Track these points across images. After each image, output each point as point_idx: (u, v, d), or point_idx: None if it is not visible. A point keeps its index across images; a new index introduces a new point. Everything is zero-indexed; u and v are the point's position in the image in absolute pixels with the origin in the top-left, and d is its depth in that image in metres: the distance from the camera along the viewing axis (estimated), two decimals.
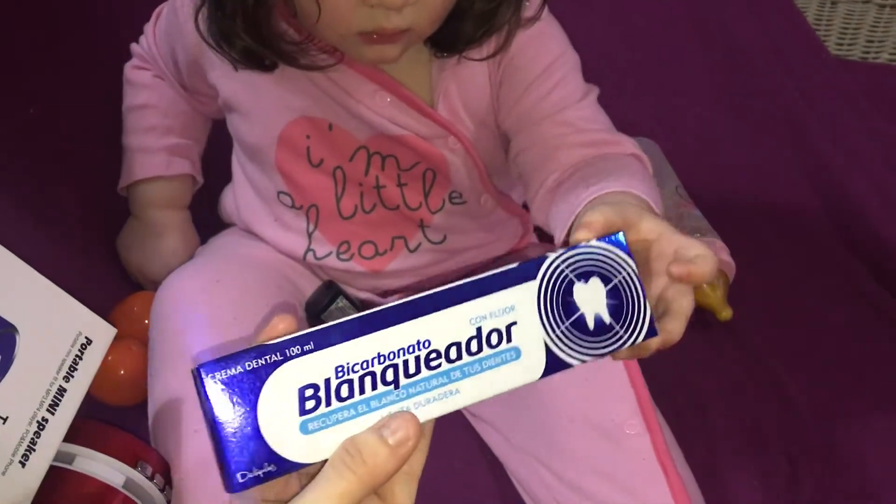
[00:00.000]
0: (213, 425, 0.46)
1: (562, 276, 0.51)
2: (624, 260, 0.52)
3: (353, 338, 0.47)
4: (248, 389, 0.46)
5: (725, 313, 0.97)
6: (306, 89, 0.79)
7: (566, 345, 0.50)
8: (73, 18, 1.03)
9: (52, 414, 0.66)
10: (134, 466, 0.68)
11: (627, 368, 0.78)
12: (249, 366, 0.46)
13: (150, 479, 0.69)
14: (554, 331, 0.50)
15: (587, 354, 0.51)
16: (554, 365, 0.50)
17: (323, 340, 0.47)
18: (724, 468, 0.84)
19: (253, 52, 0.74)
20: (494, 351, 0.49)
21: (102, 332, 0.71)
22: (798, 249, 1.08)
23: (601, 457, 0.75)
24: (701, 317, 0.98)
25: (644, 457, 0.74)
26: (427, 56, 0.77)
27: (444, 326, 0.48)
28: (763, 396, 0.91)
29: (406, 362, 0.48)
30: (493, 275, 0.50)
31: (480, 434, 0.85)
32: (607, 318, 0.51)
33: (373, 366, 0.47)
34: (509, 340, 0.49)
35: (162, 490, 0.70)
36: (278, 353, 0.47)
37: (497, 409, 0.82)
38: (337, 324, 0.47)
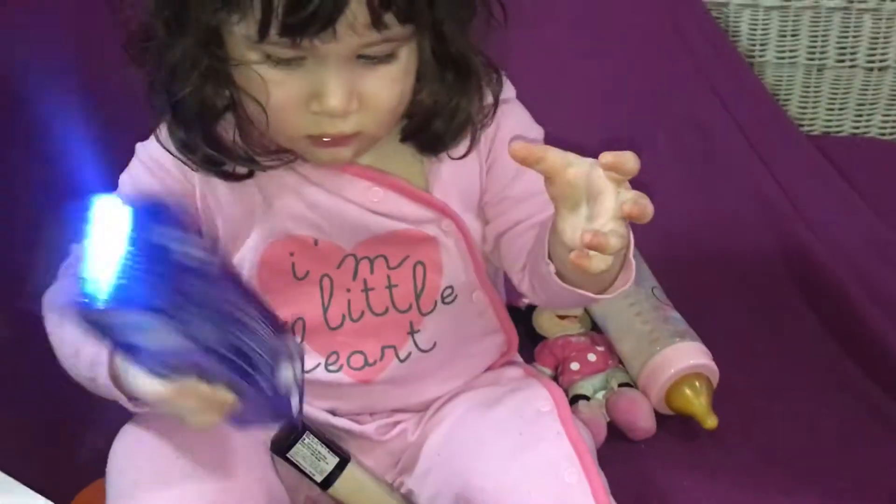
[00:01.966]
0: None
1: None
2: None
3: None
4: None
5: (710, 421, 0.92)
6: (289, 207, 0.77)
7: None
8: None
9: None
10: None
11: (573, 444, 0.75)
12: None
13: None
14: None
15: None
16: None
17: None
18: None
19: (213, 160, 0.74)
20: None
21: None
22: (782, 345, 1.04)
23: None
24: (685, 426, 0.93)
25: None
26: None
27: None
28: None
29: None
30: None
31: None
32: None
33: None
34: None
35: None
36: None
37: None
38: None
